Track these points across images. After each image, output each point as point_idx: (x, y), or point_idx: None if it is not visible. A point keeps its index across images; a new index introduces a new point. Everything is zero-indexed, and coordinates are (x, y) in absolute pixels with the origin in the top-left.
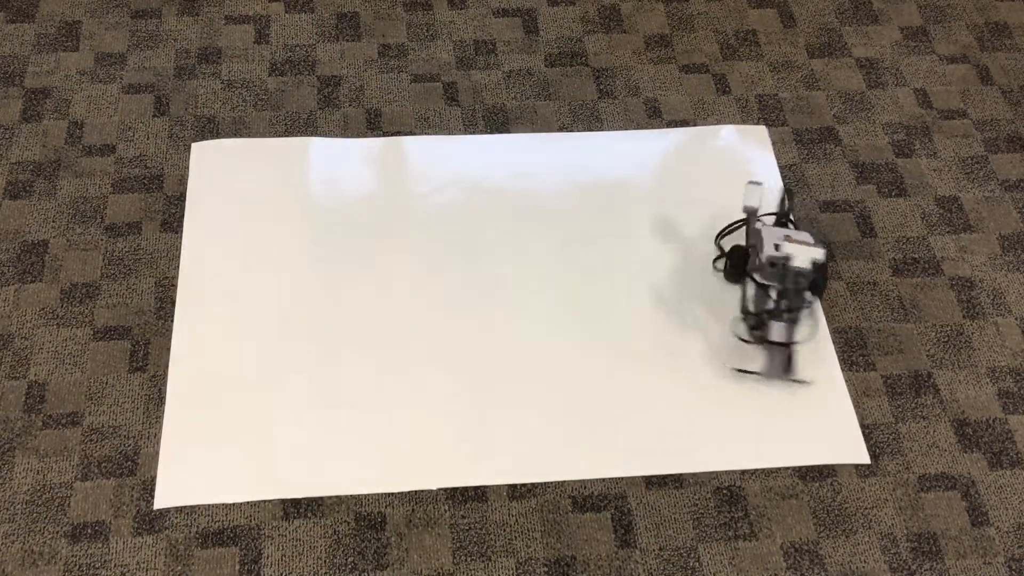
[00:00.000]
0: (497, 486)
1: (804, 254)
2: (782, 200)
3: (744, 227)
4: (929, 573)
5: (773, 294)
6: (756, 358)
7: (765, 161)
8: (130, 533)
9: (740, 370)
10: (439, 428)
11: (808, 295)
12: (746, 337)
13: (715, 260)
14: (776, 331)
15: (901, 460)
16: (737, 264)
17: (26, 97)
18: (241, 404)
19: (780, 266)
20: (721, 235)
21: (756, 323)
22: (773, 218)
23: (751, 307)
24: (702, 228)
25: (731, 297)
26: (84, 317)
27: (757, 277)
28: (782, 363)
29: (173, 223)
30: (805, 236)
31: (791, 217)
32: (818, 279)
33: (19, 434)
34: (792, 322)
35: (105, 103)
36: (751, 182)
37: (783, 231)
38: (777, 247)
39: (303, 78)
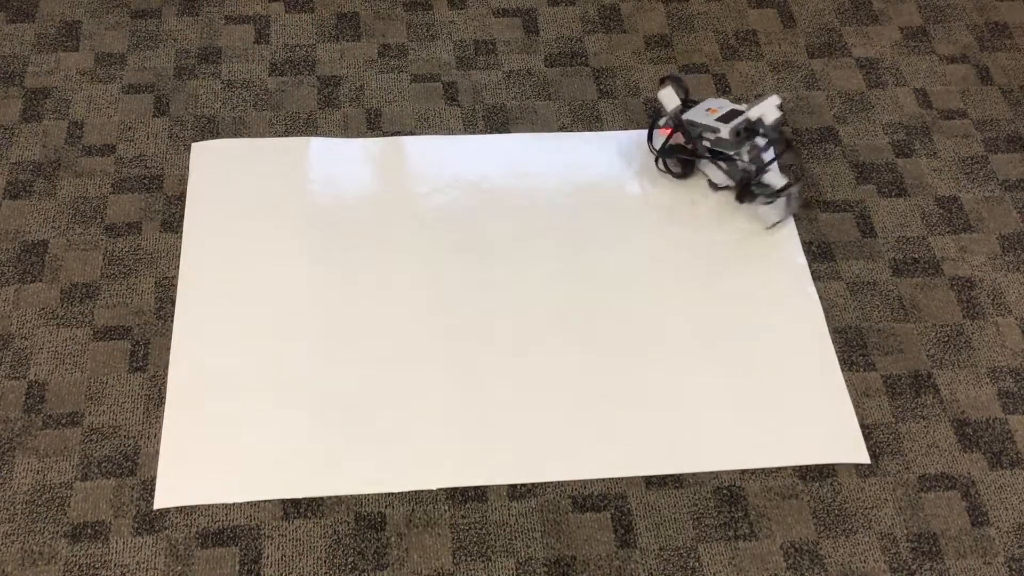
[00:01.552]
0: (497, 486)
1: (767, 107)
2: (676, 87)
3: (669, 129)
4: (929, 573)
5: (741, 157)
6: (771, 211)
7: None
8: (130, 533)
9: (773, 225)
10: (439, 428)
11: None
12: (765, 198)
13: (656, 160)
14: (776, 177)
15: (901, 460)
16: (682, 157)
17: (26, 97)
18: (241, 404)
19: (744, 131)
20: (650, 136)
21: (753, 183)
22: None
23: (732, 181)
24: (701, 229)
25: (732, 294)
26: (84, 317)
27: (717, 152)
28: (797, 199)
29: (173, 223)
30: (724, 102)
31: (692, 97)
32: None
33: (19, 434)
34: (777, 164)
35: (105, 103)
36: (659, 93)
37: (701, 107)
38: (727, 118)
39: (303, 78)
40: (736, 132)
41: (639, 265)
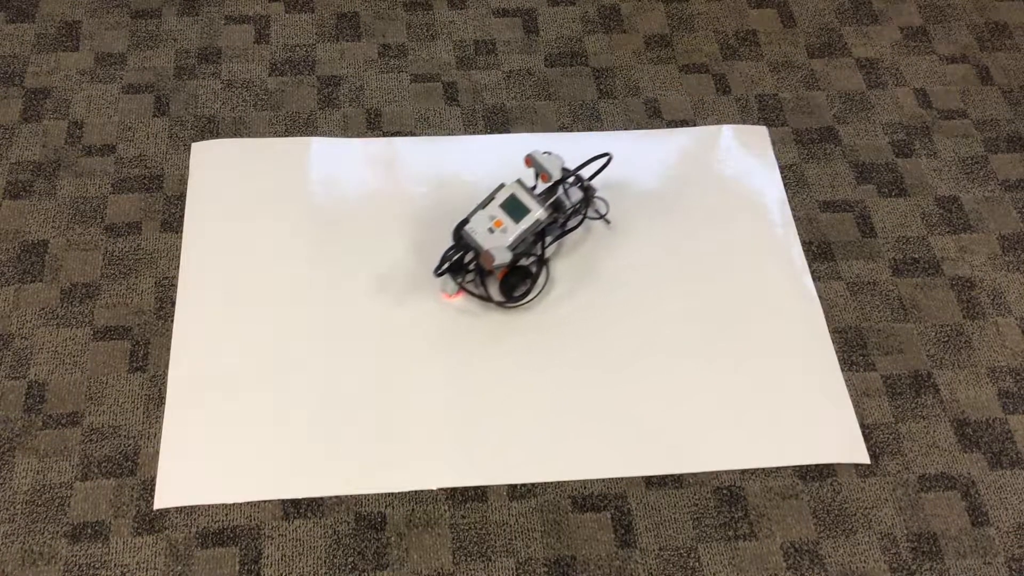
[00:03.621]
0: (497, 486)
1: (499, 238)
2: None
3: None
4: (929, 573)
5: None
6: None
7: (765, 161)
8: (130, 533)
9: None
10: (439, 428)
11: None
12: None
13: (515, 296)
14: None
15: (901, 460)
16: (513, 279)
17: (26, 97)
18: (241, 404)
19: (529, 238)
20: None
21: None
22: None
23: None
24: (702, 228)
25: (731, 293)
26: (84, 317)
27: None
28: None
29: (173, 223)
30: (480, 225)
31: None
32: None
33: (19, 434)
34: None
35: (105, 103)
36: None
37: (483, 218)
38: (492, 229)
39: (303, 78)
40: (520, 243)
41: (638, 265)
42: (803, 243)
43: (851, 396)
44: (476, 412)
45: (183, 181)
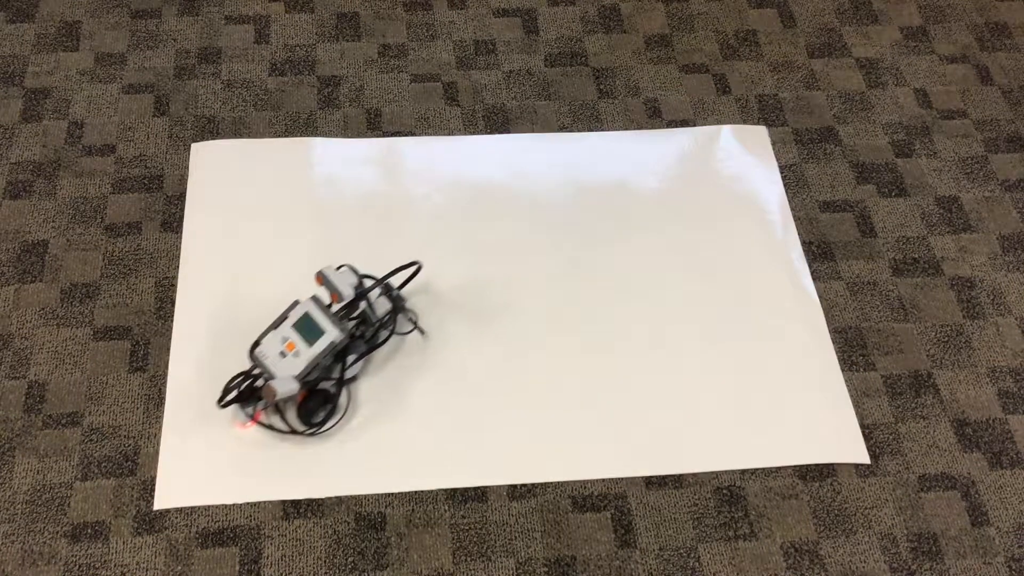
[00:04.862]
0: (497, 486)
1: (290, 364)
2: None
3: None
4: (929, 573)
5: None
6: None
7: (765, 161)
8: (130, 533)
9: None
10: (439, 428)
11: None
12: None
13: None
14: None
15: (901, 460)
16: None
17: (26, 97)
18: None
19: (325, 361)
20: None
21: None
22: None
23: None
24: (702, 229)
25: (731, 294)
26: (84, 317)
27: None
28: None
29: (173, 223)
30: (271, 348)
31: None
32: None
33: (19, 434)
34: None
35: (105, 103)
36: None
37: (266, 354)
38: (284, 353)
39: (303, 78)
40: (317, 363)
41: (639, 265)
42: (803, 243)
43: (851, 396)
44: (476, 412)
45: (183, 181)
